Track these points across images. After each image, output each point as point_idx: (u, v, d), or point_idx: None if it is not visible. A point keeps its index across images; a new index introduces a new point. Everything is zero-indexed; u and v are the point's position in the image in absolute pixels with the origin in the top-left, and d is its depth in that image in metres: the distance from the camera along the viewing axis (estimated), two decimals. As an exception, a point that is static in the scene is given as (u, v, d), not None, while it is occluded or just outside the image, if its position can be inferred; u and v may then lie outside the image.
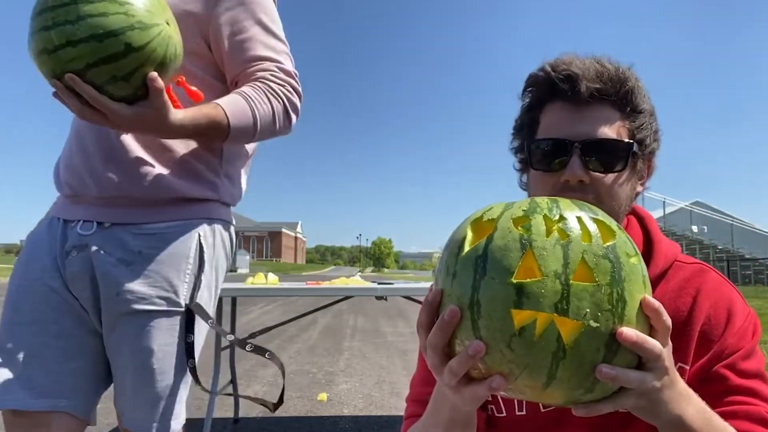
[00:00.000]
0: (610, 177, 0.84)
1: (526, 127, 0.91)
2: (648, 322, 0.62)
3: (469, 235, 0.64)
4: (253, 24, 1.24)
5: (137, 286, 1.13)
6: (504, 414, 0.92)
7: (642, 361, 0.62)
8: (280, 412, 3.55)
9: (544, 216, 0.61)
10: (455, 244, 0.64)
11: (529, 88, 0.91)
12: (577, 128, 0.84)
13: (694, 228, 22.59)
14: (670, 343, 0.65)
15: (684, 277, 0.89)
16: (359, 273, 17.92)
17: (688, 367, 0.83)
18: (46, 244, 1.19)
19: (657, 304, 0.61)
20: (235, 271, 52.57)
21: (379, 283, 3.20)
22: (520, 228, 0.60)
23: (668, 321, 0.62)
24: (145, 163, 1.18)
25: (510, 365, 0.58)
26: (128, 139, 1.18)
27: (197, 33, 1.21)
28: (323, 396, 3.93)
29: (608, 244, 0.60)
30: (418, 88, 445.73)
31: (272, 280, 3.27)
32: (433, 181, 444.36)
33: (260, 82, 1.22)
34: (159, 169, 1.18)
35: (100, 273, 1.13)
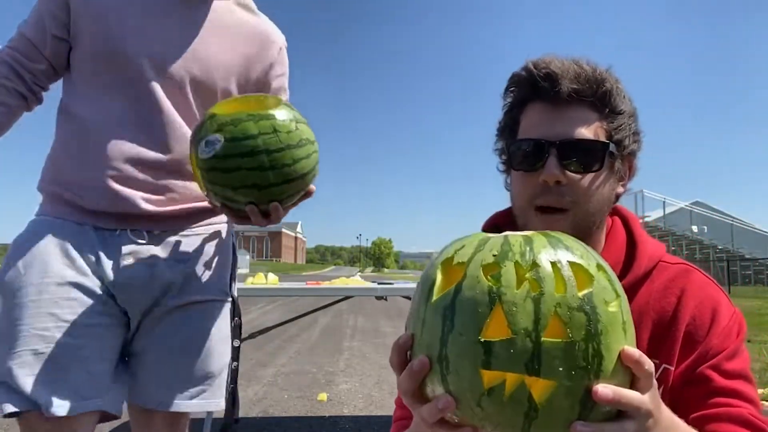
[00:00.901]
0: (588, 177, 0.85)
1: (507, 128, 0.93)
2: (629, 370, 0.59)
3: (439, 278, 0.61)
4: (285, 90, 1.43)
5: (196, 280, 1.26)
6: None
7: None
8: (281, 412, 3.56)
9: (516, 263, 0.57)
10: (426, 287, 0.62)
11: (511, 88, 0.92)
12: (554, 129, 0.85)
13: (694, 228, 22.57)
14: (654, 383, 0.62)
15: (668, 277, 0.89)
16: (359, 273, 17.91)
17: (672, 368, 0.84)
18: (72, 248, 1.17)
19: (637, 354, 0.58)
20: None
21: (379, 283, 3.20)
22: (489, 278, 0.57)
23: (650, 367, 0.59)
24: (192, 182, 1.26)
25: (482, 422, 0.57)
26: (182, 161, 1.23)
27: (253, 92, 1.37)
28: (323, 396, 3.94)
29: (584, 293, 0.56)
30: (420, 88, 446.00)
31: (272, 280, 3.27)
32: (434, 181, 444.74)
33: None
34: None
35: (160, 275, 1.20)
